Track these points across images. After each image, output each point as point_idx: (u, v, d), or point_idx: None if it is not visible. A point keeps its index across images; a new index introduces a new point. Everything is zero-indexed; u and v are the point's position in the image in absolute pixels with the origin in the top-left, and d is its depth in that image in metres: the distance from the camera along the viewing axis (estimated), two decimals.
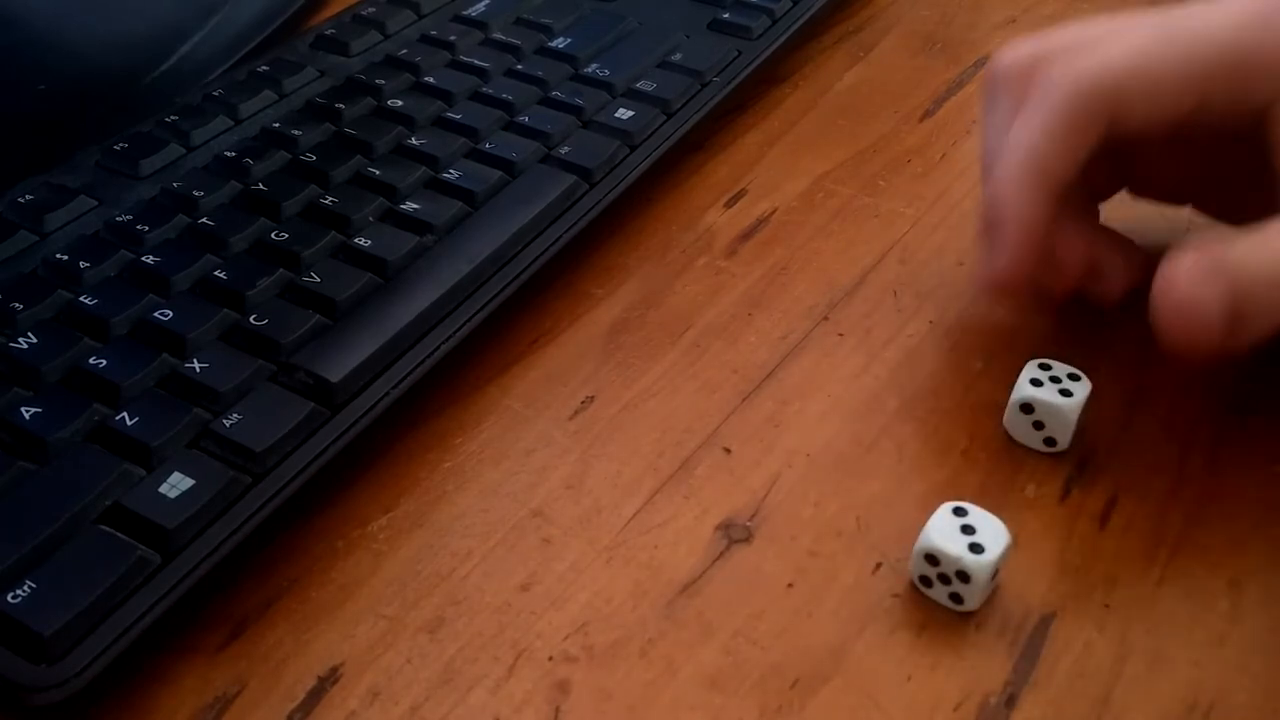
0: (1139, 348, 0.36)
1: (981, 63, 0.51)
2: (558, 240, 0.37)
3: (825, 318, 0.37)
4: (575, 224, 0.38)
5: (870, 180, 0.43)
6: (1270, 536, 0.31)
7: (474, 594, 0.29)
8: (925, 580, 0.29)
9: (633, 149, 0.41)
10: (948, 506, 0.29)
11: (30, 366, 0.31)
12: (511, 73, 0.45)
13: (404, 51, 0.45)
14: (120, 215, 0.36)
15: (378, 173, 0.39)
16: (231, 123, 0.41)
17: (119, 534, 0.27)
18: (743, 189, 0.43)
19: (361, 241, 0.36)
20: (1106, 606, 0.29)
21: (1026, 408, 0.32)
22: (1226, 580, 0.30)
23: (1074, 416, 0.32)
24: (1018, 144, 0.33)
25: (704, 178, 0.44)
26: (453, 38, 0.46)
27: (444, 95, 0.43)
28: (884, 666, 0.28)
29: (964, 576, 0.28)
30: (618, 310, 0.38)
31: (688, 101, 0.44)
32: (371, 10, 0.48)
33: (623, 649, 0.28)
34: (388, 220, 0.37)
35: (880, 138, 0.46)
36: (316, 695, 0.27)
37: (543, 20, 0.48)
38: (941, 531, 0.28)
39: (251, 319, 0.33)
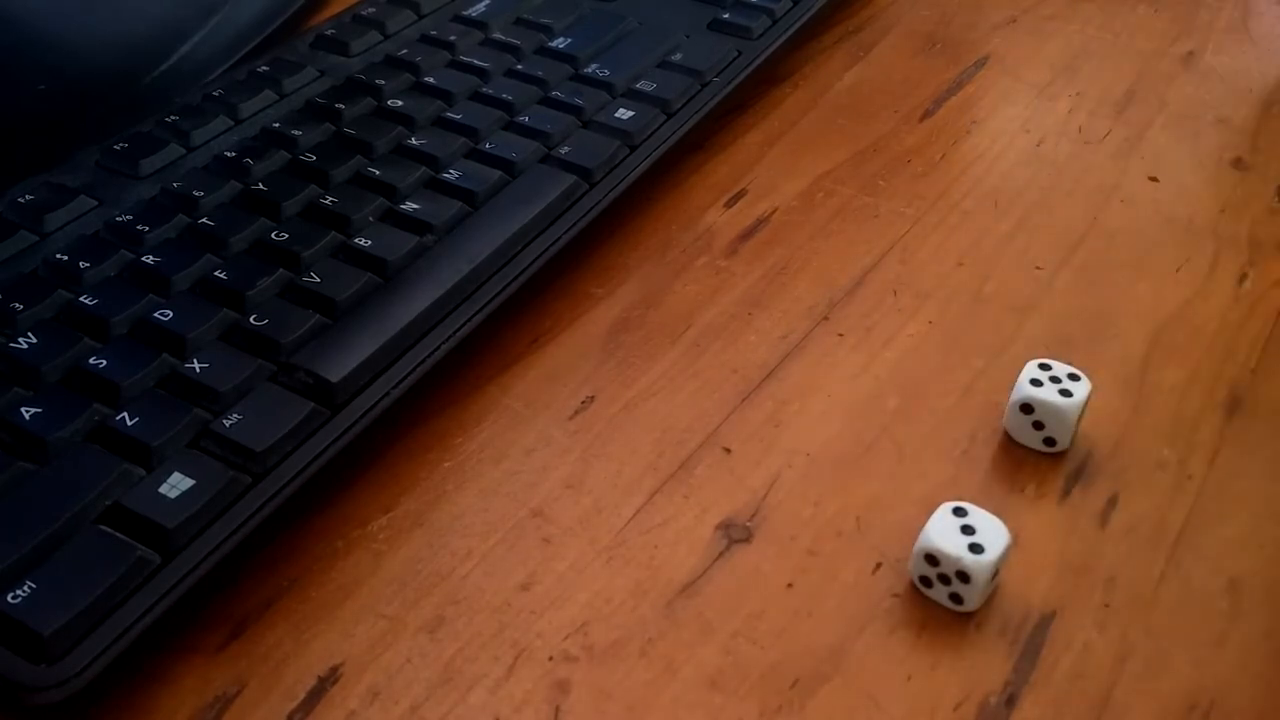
0: (1139, 348, 0.36)
1: (981, 63, 0.51)
2: (558, 240, 0.37)
3: (825, 317, 0.37)
4: (575, 224, 0.38)
5: (870, 180, 0.43)
6: (1270, 536, 0.31)
7: (474, 594, 0.29)
8: (925, 580, 0.29)
9: (633, 149, 0.41)
10: (948, 506, 0.29)
11: (30, 366, 0.31)
12: (511, 73, 0.45)
13: (404, 51, 0.45)
14: (120, 215, 0.36)
15: (378, 173, 0.39)
16: (231, 123, 0.41)
17: (119, 534, 0.27)
18: (743, 189, 0.43)
19: (361, 241, 0.36)
20: (1106, 606, 0.29)
21: (1026, 408, 0.32)
22: (1226, 580, 0.30)
23: (1074, 416, 0.32)
24: None
25: (704, 178, 0.44)
26: (453, 38, 0.46)
27: (444, 95, 0.43)
28: (884, 666, 0.28)
29: (964, 576, 0.28)
30: (618, 310, 0.38)
31: (688, 101, 0.44)
32: (371, 10, 0.48)
33: (623, 649, 0.28)
34: (388, 220, 0.37)
35: (880, 138, 0.46)
36: (316, 695, 0.27)
37: (543, 20, 0.48)
38: (941, 531, 0.28)
39: (251, 319, 0.33)
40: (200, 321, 0.33)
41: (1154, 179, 0.44)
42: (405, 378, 0.32)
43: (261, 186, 0.38)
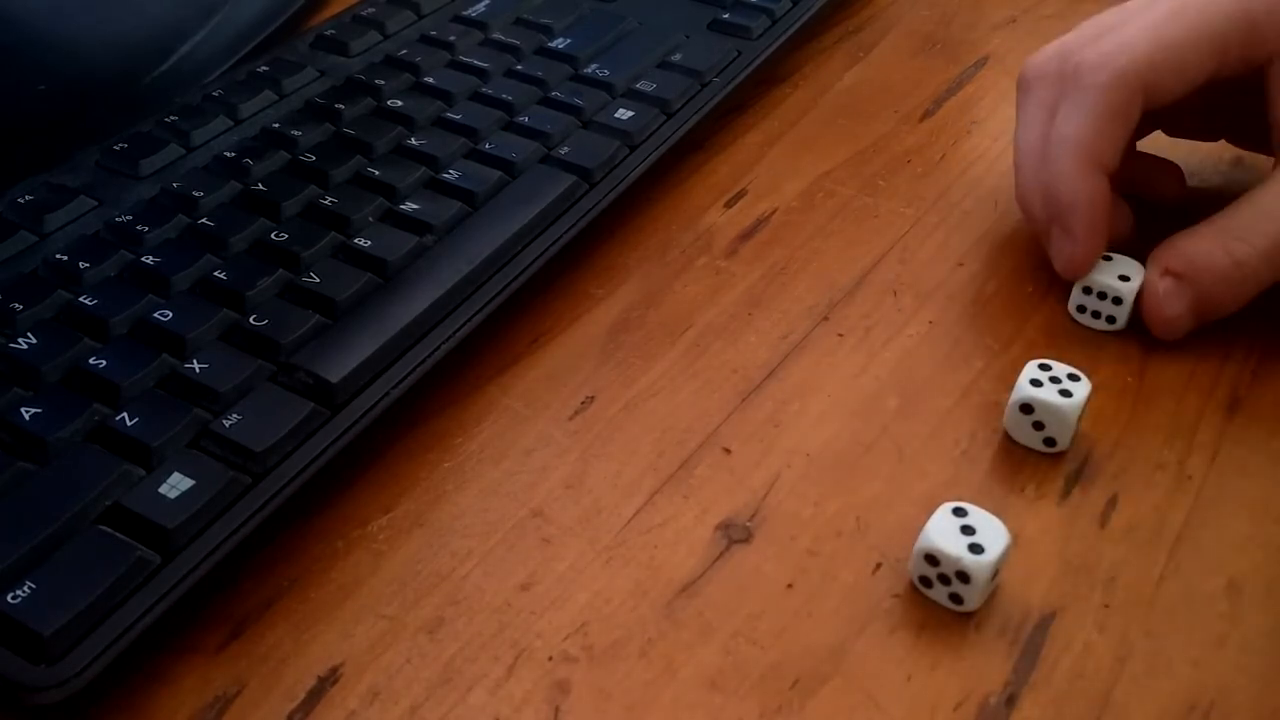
0: (1139, 348, 0.36)
1: (981, 63, 0.51)
2: (558, 240, 0.37)
3: (825, 318, 0.37)
4: (575, 224, 0.38)
5: (870, 180, 0.43)
6: (1270, 536, 0.31)
7: (474, 594, 0.29)
8: (925, 580, 0.29)
9: (633, 149, 0.41)
10: (948, 506, 0.29)
11: (30, 366, 0.31)
12: (511, 73, 0.45)
13: (404, 52, 0.45)
14: (120, 215, 0.36)
15: (377, 173, 0.39)
16: (231, 123, 0.41)
17: (119, 534, 0.27)
18: (743, 189, 0.43)
19: (361, 241, 0.36)
20: (1106, 606, 0.29)
21: (1026, 408, 0.32)
22: (1226, 580, 0.30)
23: (1074, 416, 0.32)
24: (1065, 138, 0.36)
25: (704, 178, 0.44)
26: (452, 38, 0.46)
27: (444, 95, 0.43)
28: (884, 666, 0.28)
29: (964, 577, 0.28)
30: (618, 310, 0.38)
31: (688, 101, 0.44)
32: (371, 10, 0.48)
33: (622, 649, 0.28)
34: (387, 220, 0.37)
35: (880, 138, 0.46)
36: (316, 695, 0.27)
37: (543, 20, 0.48)
38: (941, 532, 0.28)
39: (251, 319, 0.33)
40: (200, 322, 0.33)
41: None
42: (405, 378, 0.32)
43: (261, 187, 0.38)
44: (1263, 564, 0.30)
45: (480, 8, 0.49)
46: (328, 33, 0.46)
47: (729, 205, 0.42)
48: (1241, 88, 0.36)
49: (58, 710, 0.25)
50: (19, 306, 0.33)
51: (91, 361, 0.31)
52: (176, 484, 0.28)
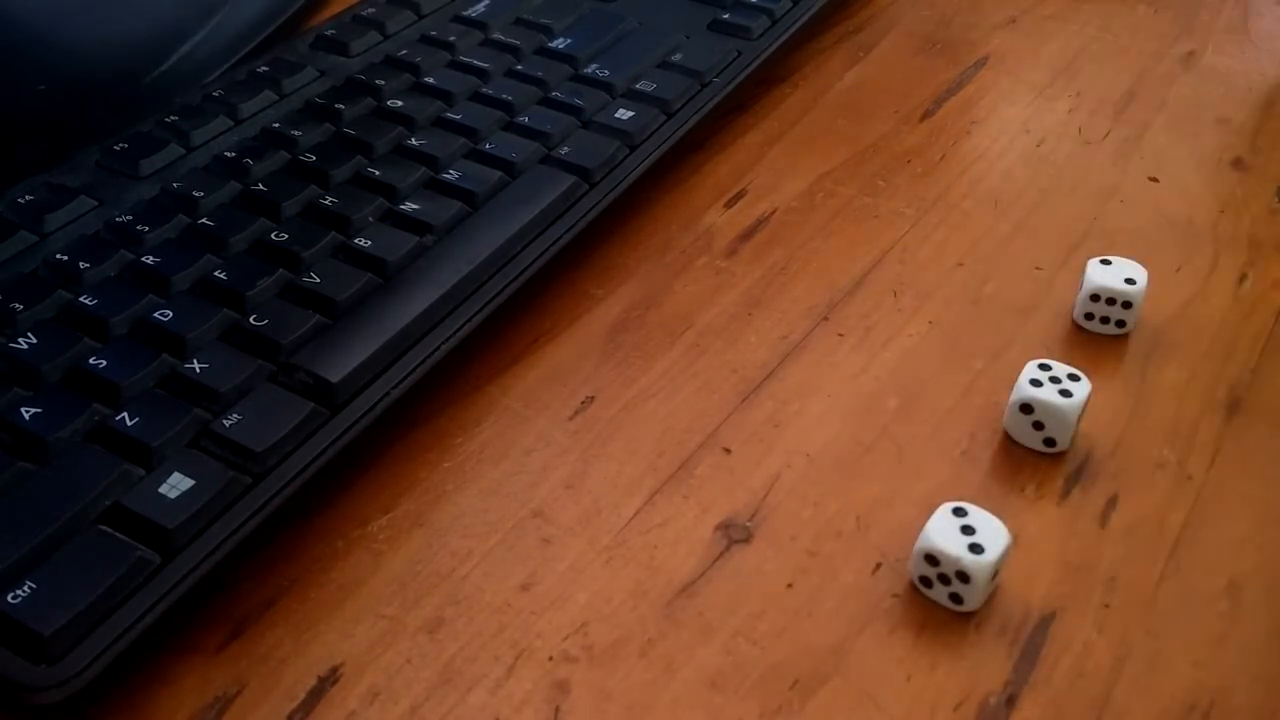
0: (1139, 348, 0.36)
1: (981, 63, 0.51)
2: (558, 240, 0.37)
3: (825, 318, 0.37)
4: (575, 224, 0.38)
5: (870, 180, 0.43)
6: (1270, 536, 0.31)
7: (474, 594, 0.29)
8: (925, 580, 0.29)
9: (633, 149, 0.41)
10: (947, 507, 0.29)
11: (30, 366, 0.31)
12: (511, 73, 0.45)
13: (404, 52, 0.45)
14: (120, 215, 0.36)
15: (377, 173, 0.39)
16: (231, 123, 0.41)
17: (119, 534, 0.27)
18: (743, 189, 0.43)
19: (361, 242, 0.36)
20: (1106, 606, 0.29)
21: (1026, 408, 0.32)
22: (1226, 580, 0.30)
23: (1074, 416, 0.32)
24: None
25: (704, 178, 0.44)
26: (453, 38, 0.46)
27: (444, 95, 0.43)
28: (884, 666, 0.28)
29: (964, 577, 0.28)
30: (618, 310, 0.38)
31: (688, 102, 0.44)
32: (371, 10, 0.48)
33: (623, 649, 0.28)
34: (388, 220, 0.37)
35: (880, 138, 0.46)
36: (316, 695, 0.27)
37: (543, 20, 0.48)
38: (941, 532, 0.28)
39: (251, 319, 0.33)
40: (200, 322, 0.33)
41: (1154, 179, 0.44)
42: (405, 378, 0.32)
43: (261, 187, 0.38)
44: (1263, 564, 0.30)
45: (480, 8, 0.49)
46: (328, 33, 0.46)
47: (729, 205, 0.42)
48: None
49: (58, 710, 0.25)
50: (19, 306, 0.33)
51: (91, 361, 0.31)
52: (176, 484, 0.28)
